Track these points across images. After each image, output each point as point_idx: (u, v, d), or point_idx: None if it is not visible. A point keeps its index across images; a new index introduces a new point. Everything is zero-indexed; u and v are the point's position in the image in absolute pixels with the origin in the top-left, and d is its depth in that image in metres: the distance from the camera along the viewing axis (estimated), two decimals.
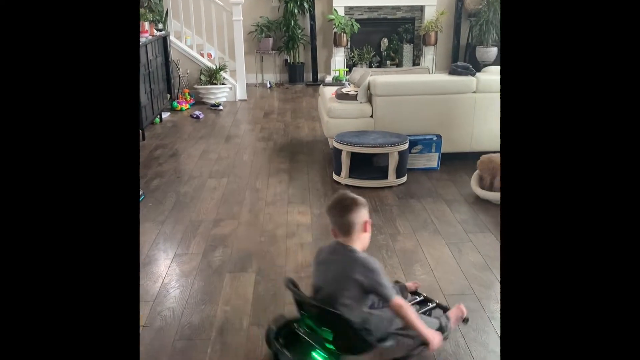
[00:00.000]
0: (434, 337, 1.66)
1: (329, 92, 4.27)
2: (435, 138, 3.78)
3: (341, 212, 1.69)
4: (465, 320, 1.96)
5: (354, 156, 3.52)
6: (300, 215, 3.07)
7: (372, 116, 3.88)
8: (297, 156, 4.20)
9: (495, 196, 3.20)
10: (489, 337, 1.96)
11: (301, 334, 1.67)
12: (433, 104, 3.82)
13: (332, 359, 1.61)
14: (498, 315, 2.11)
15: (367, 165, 3.63)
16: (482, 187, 3.30)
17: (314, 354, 1.63)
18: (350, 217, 1.67)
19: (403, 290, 1.91)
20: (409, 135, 3.67)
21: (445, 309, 1.93)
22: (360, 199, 1.72)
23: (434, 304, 1.95)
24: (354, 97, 3.92)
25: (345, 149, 3.50)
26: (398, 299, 1.62)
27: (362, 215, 1.68)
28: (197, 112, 5.56)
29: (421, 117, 3.84)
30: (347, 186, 3.51)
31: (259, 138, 4.75)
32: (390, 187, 3.51)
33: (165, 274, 2.42)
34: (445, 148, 3.83)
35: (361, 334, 1.56)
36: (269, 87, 7.10)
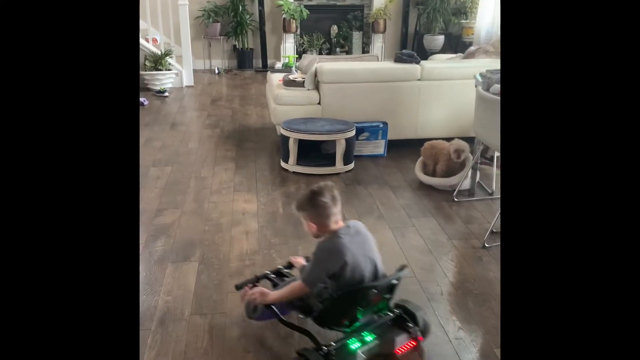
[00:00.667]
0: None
1: (276, 78, 4.23)
2: (381, 125, 3.83)
3: (326, 207, 1.75)
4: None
5: (301, 143, 3.51)
6: (246, 203, 3.05)
7: (319, 103, 3.88)
8: (244, 144, 4.15)
9: (438, 182, 3.28)
10: (427, 317, 2.02)
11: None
12: (379, 91, 3.86)
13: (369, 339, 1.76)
14: (437, 297, 2.17)
15: (314, 152, 3.64)
16: (426, 173, 3.37)
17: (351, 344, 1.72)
18: (335, 207, 1.78)
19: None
20: (356, 123, 3.70)
21: None
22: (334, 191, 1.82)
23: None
24: (301, 84, 3.90)
25: (293, 136, 3.49)
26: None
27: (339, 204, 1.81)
28: (141, 99, 5.39)
29: (368, 104, 3.87)
30: (295, 173, 3.51)
31: (205, 125, 4.66)
32: (338, 174, 3.53)
33: None
34: (392, 135, 3.89)
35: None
36: (217, 73, 6.98)
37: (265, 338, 1.89)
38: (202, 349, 1.83)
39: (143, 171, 3.51)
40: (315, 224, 1.77)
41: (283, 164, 3.61)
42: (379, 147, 3.88)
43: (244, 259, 2.43)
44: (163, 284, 2.21)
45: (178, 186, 3.27)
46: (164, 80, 5.94)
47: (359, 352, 1.70)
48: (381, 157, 3.86)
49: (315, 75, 3.86)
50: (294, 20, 6.99)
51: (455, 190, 3.18)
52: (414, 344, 1.82)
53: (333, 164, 3.54)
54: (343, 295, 1.67)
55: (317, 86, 3.90)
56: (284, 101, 3.87)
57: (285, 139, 3.54)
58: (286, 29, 7.09)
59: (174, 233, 2.66)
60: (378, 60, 4.93)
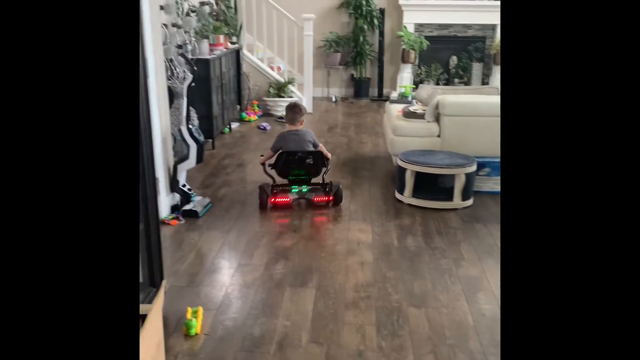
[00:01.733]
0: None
1: (395, 109, 4.25)
2: None
3: (295, 113, 3.59)
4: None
5: (418, 175, 3.48)
6: (360, 233, 3.07)
7: (439, 136, 3.82)
8: (359, 172, 4.20)
9: None
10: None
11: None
12: None
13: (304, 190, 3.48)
14: None
15: (431, 185, 3.57)
16: None
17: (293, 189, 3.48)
18: (299, 116, 3.57)
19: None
20: (477, 157, 3.58)
21: None
22: (304, 108, 3.68)
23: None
24: (421, 116, 3.88)
25: (410, 168, 3.47)
26: (321, 146, 3.60)
27: (303, 117, 3.61)
28: (264, 124, 5.70)
29: (490, 138, 3.73)
30: (410, 205, 3.47)
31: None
32: (455, 209, 3.43)
33: (229, 283, 2.49)
34: None
35: (323, 160, 3.52)
36: (334, 101, 7.17)
37: None
38: None
39: None
40: (286, 120, 3.71)
41: (398, 195, 3.59)
42: (500, 184, 3.71)
43: (360, 290, 2.43)
44: (282, 307, 2.28)
45: (296, 210, 3.39)
46: (285, 106, 6.23)
47: (295, 192, 3.46)
48: None
49: (437, 108, 3.81)
50: (413, 51, 7.01)
51: None
52: (327, 199, 3.47)
53: (451, 198, 3.45)
54: (282, 158, 3.46)
55: (437, 118, 3.85)
56: (403, 132, 3.87)
57: (402, 171, 3.53)
58: (405, 59, 7.12)
59: (292, 257, 2.75)
60: (498, 93, 4.75)
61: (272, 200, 3.39)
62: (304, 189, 3.46)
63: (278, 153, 3.46)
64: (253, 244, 2.91)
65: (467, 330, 2.14)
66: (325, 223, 3.21)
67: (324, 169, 3.51)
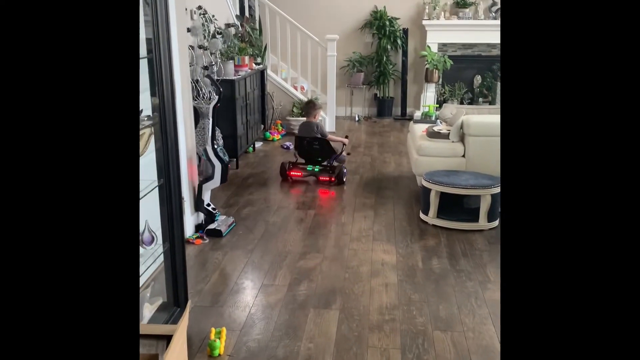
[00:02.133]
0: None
1: (419, 129, 4.24)
2: None
3: (309, 107, 4.63)
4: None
5: (443, 196, 3.44)
6: (385, 254, 3.04)
7: (463, 156, 3.79)
8: (383, 192, 4.18)
9: None
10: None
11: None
12: None
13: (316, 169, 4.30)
14: None
15: (456, 206, 3.53)
16: None
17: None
18: (312, 110, 4.56)
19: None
20: None
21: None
22: (317, 104, 4.71)
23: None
24: (445, 136, 3.86)
25: (435, 188, 3.44)
26: (330, 136, 4.50)
27: (317, 111, 4.59)
28: (287, 143, 5.73)
29: None
30: (435, 226, 3.43)
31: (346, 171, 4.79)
32: (481, 230, 3.38)
33: (252, 304, 2.48)
34: None
35: (330, 147, 4.34)
36: (357, 121, 7.19)
37: None
38: None
39: (288, 212, 3.69)
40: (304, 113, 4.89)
41: (422, 216, 3.55)
42: None
43: (384, 313, 2.40)
44: (305, 329, 2.26)
45: (320, 230, 3.38)
46: None
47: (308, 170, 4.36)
48: None
49: (461, 128, 3.79)
50: (436, 70, 7.00)
51: None
52: (330, 179, 4.32)
53: (476, 219, 3.40)
54: (297, 142, 4.45)
55: (461, 138, 3.82)
56: (427, 152, 3.85)
57: (427, 191, 3.49)
58: (428, 79, 7.11)
59: (316, 278, 2.74)
60: None
61: (289, 172, 4.36)
62: (316, 168, 4.37)
63: (295, 137, 4.52)
64: (276, 264, 2.91)
65: (494, 356, 2.09)
66: (348, 242, 3.19)
67: (334, 155, 4.39)
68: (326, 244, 3.17)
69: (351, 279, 2.74)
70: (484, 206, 3.36)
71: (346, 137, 4.73)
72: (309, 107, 4.64)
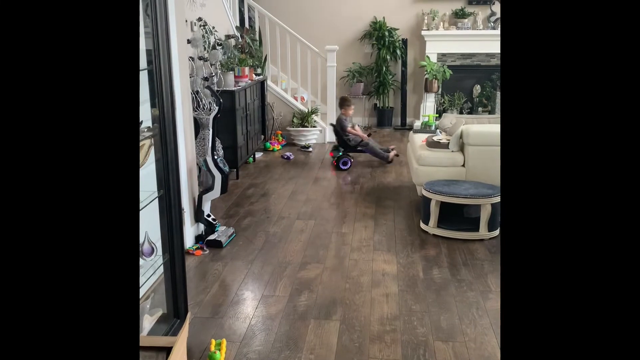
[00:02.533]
0: (363, 136, 5.46)
1: (419, 139, 4.24)
2: None
3: (342, 102, 5.53)
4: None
5: (443, 205, 3.44)
6: (385, 264, 3.03)
7: (463, 165, 3.79)
8: (383, 202, 4.18)
9: None
10: None
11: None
12: None
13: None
14: None
15: (457, 215, 3.53)
16: None
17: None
18: (346, 105, 5.47)
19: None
20: None
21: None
22: (349, 100, 5.58)
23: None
24: (445, 146, 3.86)
25: (435, 198, 3.43)
26: (349, 129, 5.40)
27: (346, 108, 5.47)
28: (287, 153, 5.74)
29: None
30: (435, 236, 3.42)
31: (346, 182, 4.79)
32: (482, 240, 3.37)
33: (253, 315, 2.47)
34: None
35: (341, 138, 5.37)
36: None
37: None
38: None
39: (289, 223, 3.69)
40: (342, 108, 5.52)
41: (423, 226, 3.55)
42: None
43: (385, 323, 2.39)
44: (306, 340, 2.25)
45: (321, 240, 3.38)
46: (309, 136, 6.28)
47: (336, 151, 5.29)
48: None
49: (461, 137, 3.79)
50: (436, 80, 7.03)
51: None
52: (334, 163, 5.29)
53: (477, 229, 3.39)
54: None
55: (461, 148, 3.83)
56: (427, 162, 3.85)
57: (427, 201, 3.49)
58: (427, 89, 7.14)
59: (316, 288, 2.73)
60: None
61: (331, 153, 5.49)
62: (340, 152, 5.29)
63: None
64: (277, 274, 2.90)
65: None
66: (348, 252, 3.18)
67: (349, 143, 5.34)
68: (327, 255, 3.16)
69: (352, 289, 2.73)
70: (485, 215, 3.35)
71: (369, 134, 5.60)
72: (342, 102, 5.57)
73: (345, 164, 5.19)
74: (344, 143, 5.34)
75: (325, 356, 2.13)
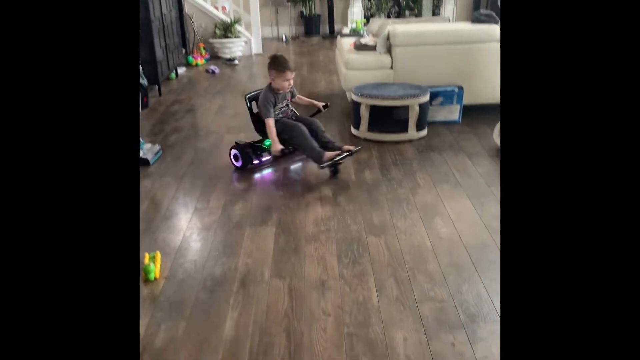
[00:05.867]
0: (276, 146, 2.96)
1: (346, 43, 4.15)
2: (456, 90, 3.68)
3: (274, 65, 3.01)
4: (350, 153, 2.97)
5: (373, 109, 3.45)
6: (318, 171, 3.04)
7: (391, 67, 3.77)
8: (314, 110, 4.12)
9: None
10: None
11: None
12: (455, 54, 3.69)
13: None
14: None
15: (386, 118, 3.56)
16: None
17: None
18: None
19: (327, 145, 3.03)
20: (430, 87, 3.57)
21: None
22: (282, 62, 3.01)
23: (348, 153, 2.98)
24: (372, 48, 3.81)
25: (364, 102, 3.43)
26: (269, 120, 2.98)
27: (271, 72, 3.01)
28: (212, 67, 5.48)
29: (442, 68, 3.72)
30: (367, 140, 3.46)
31: None
32: (411, 140, 3.44)
33: (186, 228, 2.44)
34: (467, 100, 3.73)
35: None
36: (285, 41, 6.96)
37: (344, 302, 1.89)
38: (282, 311, 1.86)
39: (218, 138, 3.58)
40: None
41: (354, 131, 3.56)
42: (453, 113, 3.74)
43: (320, 224, 2.43)
44: (242, 246, 2.26)
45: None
46: (234, 48, 6.00)
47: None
48: (456, 124, 3.72)
49: (388, 39, 3.74)
50: None
51: None
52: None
53: (405, 130, 3.45)
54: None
55: (389, 50, 3.79)
56: (355, 66, 3.80)
57: (357, 105, 3.48)
58: None
59: (250, 198, 2.71)
60: (449, 22, 4.71)
61: None
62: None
63: None
64: (209, 188, 2.85)
65: (426, 254, 2.19)
66: (282, 162, 3.16)
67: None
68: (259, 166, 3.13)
69: (286, 196, 2.73)
70: (413, 116, 3.40)
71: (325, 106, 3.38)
72: (272, 64, 3.09)
73: (236, 158, 3.07)
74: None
75: (262, 259, 2.16)
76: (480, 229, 2.36)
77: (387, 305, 1.88)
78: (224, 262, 2.15)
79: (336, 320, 1.81)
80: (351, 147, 2.97)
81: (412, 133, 3.45)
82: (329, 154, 2.89)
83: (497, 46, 3.68)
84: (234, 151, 3.06)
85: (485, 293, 1.93)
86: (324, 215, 2.52)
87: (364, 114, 3.45)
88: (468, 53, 3.69)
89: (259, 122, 3.10)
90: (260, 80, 5.18)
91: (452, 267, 2.10)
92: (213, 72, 5.38)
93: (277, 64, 2.97)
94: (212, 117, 4.03)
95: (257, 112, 3.10)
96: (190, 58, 5.72)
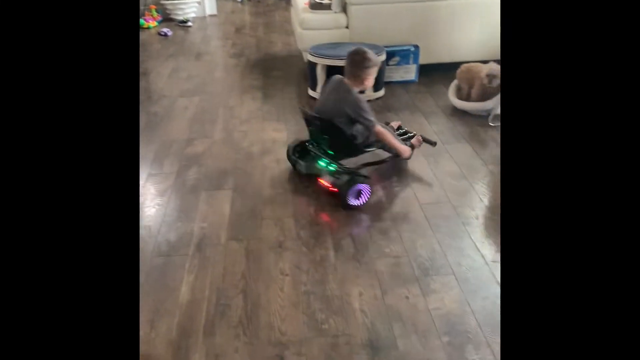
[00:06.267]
0: (405, 149, 2.49)
1: (301, 2, 4.05)
2: (412, 49, 3.66)
3: (351, 63, 2.38)
4: (431, 143, 2.64)
5: (329, 70, 3.40)
6: (275, 132, 3.01)
7: (347, 27, 3.72)
8: (271, 72, 4.05)
9: (472, 106, 3.16)
10: (463, 241, 2.01)
11: (310, 148, 2.48)
12: (411, 12, 3.66)
13: (332, 164, 2.35)
14: (472, 220, 2.14)
15: None
16: (460, 98, 3.25)
17: (319, 162, 2.40)
18: (357, 70, 2.36)
19: (387, 126, 2.61)
20: (386, 47, 3.54)
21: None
22: (373, 60, 2.38)
23: (412, 134, 2.67)
24: (328, 7, 3.73)
25: (320, 62, 3.38)
26: (378, 126, 2.37)
27: (367, 72, 2.37)
28: (164, 30, 5.27)
29: (398, 26, 3.69)
30: None
31: (230, 54, 4.55)
32: (368, 100, 3.42)
33: (140, 194, 2.38)
34: (423, 59, 3.72)
35: (350, 140, 2.33)
36: (240, 1, 6.74)
37: (301, 262, 1.91)
38: (239, 272, 1.86)
39: (171, 101, 3.48)
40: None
41: (311, 92, 3.52)
42: (410, 72, 3.73)
43: (277, 186, 2.42)
44: (198, 211, 2.23)
45: (207, 116, 3.25)
46: (187, 9, 5.77)
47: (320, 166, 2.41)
48: (412, 83, 3.73)
49: None
50: None
51: (490, 114, 3.07)
52: (329, 188, 2.31)
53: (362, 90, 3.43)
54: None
55: (344, 8, 3.72)
56: (311, 25, 3.72)
57: (313, 66, 3.43)
58: None
59: (205, 162, 2.67)
60: None
61: None
62: (322, 163, 2.55)
63: None
64: (162, 153, 2.78)
65: (382, 212, 2.22)
66: (237, 125, 3.11)
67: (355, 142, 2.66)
68: (214, 129, 3.06)
69: (242, 159, 2.70)
70: None
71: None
72: (353, 62, 2.42)
73: (359, 195, 2.25)
74: (345, 143, 2.37)
75: (218, 223, 2.14)
76: (434, 186, 2.40)
77: (343, 263, 1.90)
78: (178, 227, 2.12)
79: (293, 279, 1.82)
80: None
81: (369, 93, 3.43)
82: (414, 142, 2.59)
83: (452, 4, 3.66)
84: (354, 186, 2.21)
85: (438, 247, 1.98)
86: (281, 177, 2.51)
87: (321, 74, 3.40)
88: (424, 11, 3.66)
89: (355, 145, 2.38)
90: (214, 42, 5.03)
91: (407, 223, 2.13)
92: (165, 34, 5.18)
93: (369, 58, 2.35)
94: (164, 80, 3.90)
95: (347, 134, 2.33)
96: (141, 21, 5.47)
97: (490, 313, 1.66)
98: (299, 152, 2.53)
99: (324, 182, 2.33)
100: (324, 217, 2.18)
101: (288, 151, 2.56)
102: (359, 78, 2.36)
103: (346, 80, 2.38)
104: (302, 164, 2.47)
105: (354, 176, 2.24)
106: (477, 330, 1.60)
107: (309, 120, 2.45)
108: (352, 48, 2.47)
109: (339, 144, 2.35)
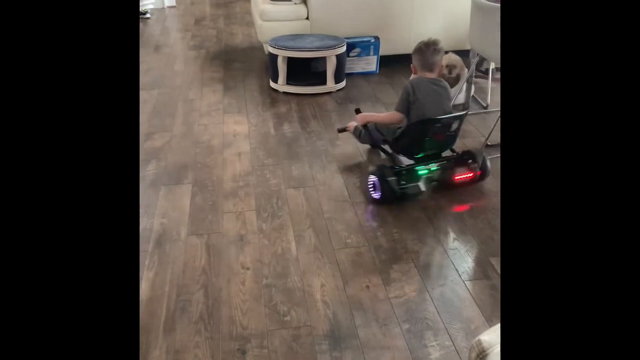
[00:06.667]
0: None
1: None
2: (373, 40, 3.68)
3: (433, 53, 2.28)
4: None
5: (290, 61, 3.39)
6: (236, 125, 2.98)
7: (307, 18, 3.70)
8: (232, 64, 4.00)
9: None
10: (422, 230, 2.04)
11: (418, 166, 2.27)
12: (371, 4, 3.67)
13: (431, 163, 2.28)
14: (431, 210, 2.18)
15: (304, 70, 3.52)
16: None
17: (420, 172, 2.26)
18: (438, 58, 2.29)
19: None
20: (347, 38, 3.55)
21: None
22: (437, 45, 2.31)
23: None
24: None
25: (281, 54, 3.36)
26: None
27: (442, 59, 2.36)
28: None
29: (359, 18, 3.70)
30: (286, 93, 3.41)
31: (190, 47, 4.47)
32: (330, 92, 3.44)
33: None
34: (384, 50, 3.75)
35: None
36: None
37: (263, 255, 1.90)
38: (200, 267, 1.84)
39: None
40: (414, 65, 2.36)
41: (272, 84, 3.50)
42: (370, 64, 3.76)
43: (238, 180, 2.40)
44: (157, 206, 2.19)
45: (166, 109, 3.18)
46: (145, 1, 5.62)
47: (424, 177, 2.29)
48: (373, 74, 3.75)
49: None
50: None
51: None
52: (471, 176, 2.31)
53: (324, 82, 3.44)
54: (412, 126, 2.21)
55: (304, 0, 3.70)
56: (271, 17, 3.69)
57: (274, 58, 3.41)
58: None
59: (165, 156, 2.62)
60: None
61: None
62: (433, 166, 2.31)
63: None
64: None
65: (344, 203, 2.24)
66: (197, 118, 3.06)
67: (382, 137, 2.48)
68: (174, 122, 3.01)
69: (203, 153, 2.66)
70: (330, 68, 3.38)
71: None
72: (421, 50, 2.35)
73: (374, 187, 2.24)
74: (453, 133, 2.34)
75: (178, 218, 2.11)
76: None
77: (305, 255, 1.91)
78: None
79: (255, 273, 1.82)
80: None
81: (331, 85, 3.44)
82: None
83: None
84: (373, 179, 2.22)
85: (399, 237, 2.01)
86: (242, 170, 2.49)
87: (282, 66, 3.38)
88: (384, 3, 3.68)
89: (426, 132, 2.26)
90: (173, 34, 4.93)
91: (369, 214, 2.16)
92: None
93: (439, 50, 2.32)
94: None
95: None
96: None
97: (449, 300, 1.70)
98: (403, 179, 2.21)
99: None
100: (286, 210, 2.18)
101: (389, 186, 2.16)
102: (437, 66, 2.30)
103: (429, 74, 2.27)
104: (412, 186, 2.25)
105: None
106: (436, 317, 1.64)
107: (423, 131, 2.20)
108: (423, 41, 2.33)
109: (450, 137, 2.31)
